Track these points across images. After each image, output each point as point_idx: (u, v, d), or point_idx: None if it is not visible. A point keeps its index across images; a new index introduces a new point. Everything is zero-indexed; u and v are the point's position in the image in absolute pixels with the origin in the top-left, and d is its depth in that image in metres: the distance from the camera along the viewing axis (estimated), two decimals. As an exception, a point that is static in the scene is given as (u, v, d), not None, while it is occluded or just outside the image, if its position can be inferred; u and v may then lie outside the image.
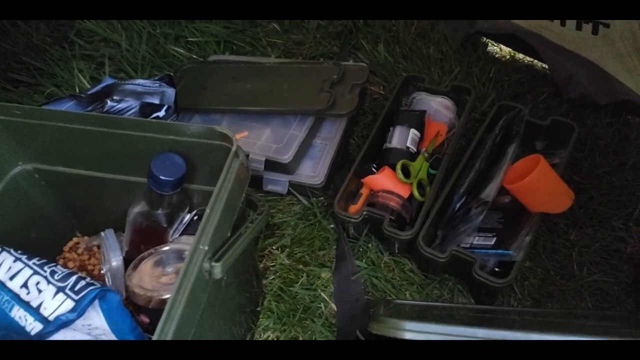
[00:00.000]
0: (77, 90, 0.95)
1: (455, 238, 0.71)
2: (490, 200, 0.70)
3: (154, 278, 0.55)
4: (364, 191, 0.81)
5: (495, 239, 0.70)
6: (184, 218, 0.64)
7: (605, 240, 0.76)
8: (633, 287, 0.71)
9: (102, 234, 0.69)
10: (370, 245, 0.77)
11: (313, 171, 0.81)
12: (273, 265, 0.77)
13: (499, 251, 0.68)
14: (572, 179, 0.82)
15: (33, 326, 0.47)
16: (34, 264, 0.51)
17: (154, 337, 0.41)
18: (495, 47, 1.04)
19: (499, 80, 0.95)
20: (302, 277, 0.75)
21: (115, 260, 0.65)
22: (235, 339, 0.67)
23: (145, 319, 0.54)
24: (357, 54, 1.02)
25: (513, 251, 0.67)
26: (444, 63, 0.99)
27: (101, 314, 0.47)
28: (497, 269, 0.69)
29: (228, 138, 0.55)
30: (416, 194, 0.77)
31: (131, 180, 0.64)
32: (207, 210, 0.48)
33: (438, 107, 0.85)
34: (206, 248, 0.47)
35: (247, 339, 0.69)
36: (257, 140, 0.81)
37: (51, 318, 0.46)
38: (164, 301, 0.53)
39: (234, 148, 0.53)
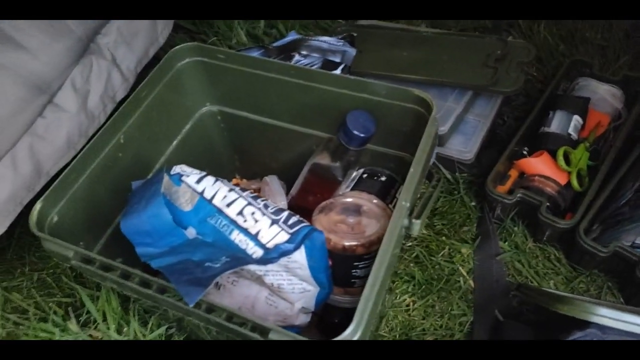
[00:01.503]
0: (235, 42, 0.99)
1: (616, 234, 0.68)
2: (665, 201, 0.67)
3: (336, 225, 0.58)
4: (513, 173, 0.79)
5: (663, 241, 0.66)
6: (353, 174, 0.66)
7: None
8: None
9: (267, 178, 0.74)
10: (516, 228, 0.76)
11: (464, 146, 0.81)
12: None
13: (669, 254, 0.65)
14: None
15: (254, 250, 0.51)
16: (247, 195, 0.55)
17: (369, 281, 0.43)
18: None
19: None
20: (444, 248, 0.76)
21: (280, 205, 0.69)
22: (381, 299, 0.70)
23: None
24: (511, 31, 0.98)
25: (685, 257, 0.64)
26: (607, 50, 0.93)
27: (304, 250, 0.51)
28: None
29: (426, 102, 0.56)
30: (575, 183, 0.74)
31: (308, 133, 0.67)
32: (411, 170, 0.50)
33: (605, 96, 0.81)
34: (408, 205, 0.49)
35: (388, 299, 0.71)
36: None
37: (270, 246, 0.50)
38: (345, 248, 0.56)
39: (434, 113, 0.54)
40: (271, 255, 0.49)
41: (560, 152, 0.74)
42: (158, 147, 0.68)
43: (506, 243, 0.76)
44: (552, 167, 0.75)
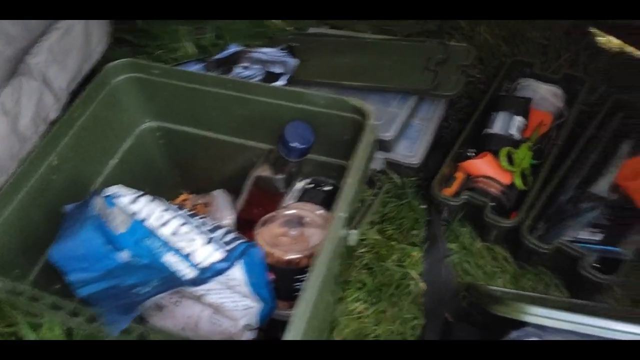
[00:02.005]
0: (182, 54, 0.98)
1: (561, 231, 0.69)
2: (601, 196, 0.68)
3: (278, 238, 0.58)
4: (459, 175, 0.80)
5: (602, 235, 0.68)
6: (297, 185, 0.66)
7: None
8: None
9: (214, 193, 0.73)
10: (463, 229, 0.77)
11: (410, 151, 0.81)
12: (364, 239, 0.78)
13: (607, 247, 0.66)
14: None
15: (187, 272, 0.50)
16: (184, 214, 0.54)
17: (300, 298, 0.43)
18: (604, 38, 0.99)
19: (608, 72, 0.91)
20: (394, 253, 0.76)
21: (227, 219, 0.69)
22: (328, 308, 0.69)
23: (271, 276, 0.57)
24: (454, 33, 1.00)
25: (622, 249, 0.65)
26: (548, 49, 0.95)
27: (242, 267, 0.50)
28: (596, 265, 0.67)
29: (362, 111, 0.56)
30: (519, 182, 0.75)
31: (250, 145, 0.67)
32: (347, 180, 0.50)
33: (546, 95, 0.82)
34: (345, 215, 0.49)
35: (338, 309, 0.71)
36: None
37: (204, 265, 0.49)
38: (289, 261, 0.56)
39: (371, 122, 0.54)
40: (205, 275, 0.49)
41: (503, 153, 0.76)
42: (95, 168, 0.66)
43: (454, 245, 0.76)
44: (495, 167, 0.76)
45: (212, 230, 0.52)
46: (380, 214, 0.80)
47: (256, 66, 0.71)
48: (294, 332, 0.43)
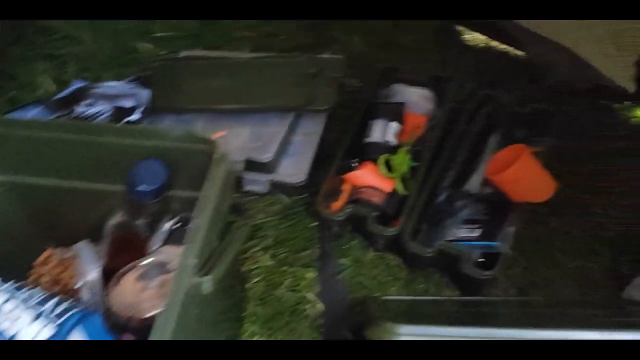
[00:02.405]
0: (42, 92, 0.89)
1: (441, 232, 0.70)
2: (474, 193, 0.70)
3: (136, 294, 0.53)
4: (346, 188, 0.79)
5: (480, 230, 0.70)
6: (164, 226, 0.61)
7: (586, 226, 0.77)
8: (614, 271, 0.72)
9: (76, 246, 0.66)
10: (353, 242, 0.76)
11: (294, 169, 0.79)
12: (256, 268, 0.75)
13: (485, 243, 0.68)
14: (552, 165, 0.82)
15: None
16: (7, 288, 0.48)
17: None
18: (470, 35, 1.03)
19: (476, 68, 0.95)
20: (286, 278, 0.73)
21: (92, 274, 0.62)
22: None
23: (129, 338, 0.52)
24: (330, 45, 1.00)
25: (498, 243, 0.67)
26: (420, 52, 0.97)
27: (82, 338, 0.44)
28: (481, 260, 0.69)
29: (211, 142, 0.52)
30: (400, 188, 0.75)
31: (107, 189, 0.61)
32: (194, 221, 0.46)
33: (417, 99, 0.84)
34: (195, 262, 0.45)
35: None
36: (236, 140, 0.78)
37: None
38: (148, 320, 0.51)
39: (218, 153, 0.51)
40: None
41: (381, 161, 0.76)
42: None
43: (348, 258, 0.75)
44: (377, 176, 0.76)
45: (42, 303, 0.46)
46: (272, 237, 0.78)
47: (103, 102, 0.66)
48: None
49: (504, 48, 1.00)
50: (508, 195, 0.71)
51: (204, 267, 0.48)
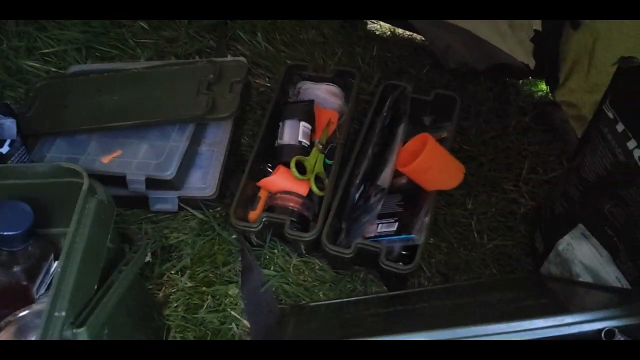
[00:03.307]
0: None
1: (359, 229, 0.69)
2: (386, 187, 0.69)
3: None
4: (262, 194, 0.76)
5: (397, 223, 0.69)
6: (49, 268, 0.55)
7: (500, 204, 0.78)
8: (529, 247, 0.74)
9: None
10: (275, 250, 0.73)
11: (203, 182, 0.75)
12: (174, 292, 0.70)
13: (402, 236, 0.67)
14: (462, 148, 0.83)
15: None
16: None
17: None
18: (375, 24, 1.03)
19: (382, 58, 0.94)
20: (207, 299, 0.69)
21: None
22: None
23: None
24: (237, 45, 0.96)
25: (415, 234, 0.67)
26: (327, 46, 0.96)
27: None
28: (404, 252, 0.69)
29: (77, 173, 0.47)
30: (315, 189, 0.73)
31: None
32: (60, 267, 0.41)
33: (325, 95, 0.82)
34: (63, 314, 0.40)
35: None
36: (134, 159, 0.73)
37: None
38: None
39: (85, 185, 0.46)
40: None
41: (292, 163, 0.73)
42: None
43: (271, 268, 0.72)
44: (291, 180, 0.73)
45: None
46: (190, 257, 0.73)
47: None
48: None
49: (409, 35, 1.00)
50: (420, 185, 0.71)
51: (78, 317, 0.42)
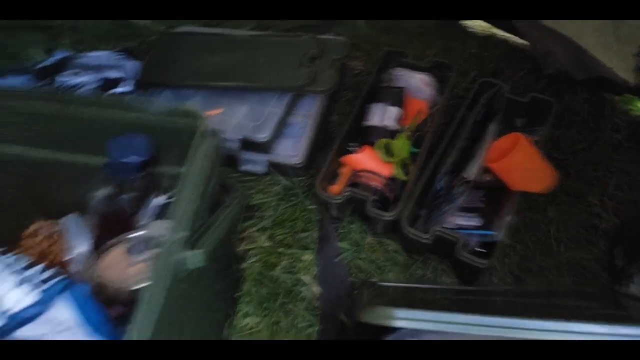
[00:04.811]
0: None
1: (439, 218, 0.70)
2: (472, 179, 0.70)
3: (124, 266, 0.52)
4: (345, 171, 0.78)
5: (478, 218, 0.70)
6: (151, 202, 0.60)
7: (582, 215, 0.77)
8: (608, 262, 0.73)
9: (63, 220, 0.65)
10: (353, 225, 0.76)
11: (293, 150, 0.78)
12: (253, 248, 0.74)
13: (482, 232, 0.68)
14: (551, 155, 0.82)
15: None
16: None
17: (127, 335, 0.38)
18: (474, 23, 1.02)
19: (479, 56, 0.94)
20: (283, 260, 0.73)
21: (80, 247, 0.61)
22: (213, 327, 0.65)
23: (116, 312, 0.51)
24: (336, 26, 0.98)
25: (495, 231, 0.67)
26: (425, 37, 0.96)
27: (70, 307, 0.44)
28: (479, 249, 0.69)
29: (196, 116, 0.51)
30: (399, 173, 0.75)
31: (92, 162, 0.59)
32: (180, 194, 0.45)
33: (418, 84, 0.83)
34: (185, 234, 0.44)
35: (226, 326, 0.67)
36: (233, 118, 0.77)
37: (12, 313, 0.42)
38: (136, 292, 0.50)
39: (201, 128, 0.50)
40: (10, 326, 0.42)
41: (380, 144, 0.75)
42: None
43: (346, 242, 0.75)
44: (376, 160, 0.75)
45: (26, 269, 0.45)
46: (271, 218, 0.77)
47: (89, 72, 0.63)
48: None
49: (506, 36, 0.99)
50: (506, 183, 0.71)
51: (193, 241, 0.46)
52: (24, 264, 0.46)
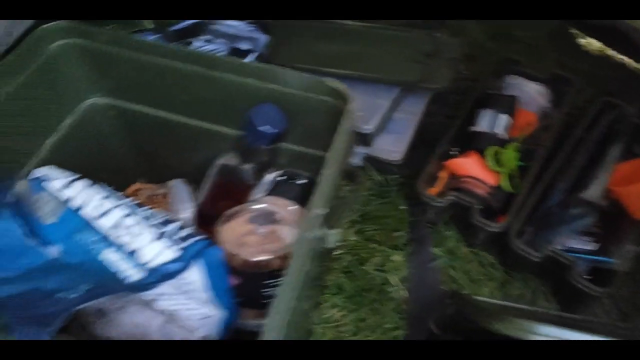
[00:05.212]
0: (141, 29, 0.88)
1: (550, 237, 0.65)
2: (595, 202, 0.65)
3: (244, 235, 0.50)
4: (443, 175, 0.75)
5: (595, 244, 0.64)
6: (268, 177, 0.58)
7: None
8: None
9: (172, 183, 0.64)
10: (448, 232, 0.72)
11: (392, 146, 0.75)
12: (342, 240, 0.71)
13: (597, 258, 0.63)
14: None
15: (129, 274, 0.41)
16: (128, 203, 0.45)
17: (274, 306, 0.36)
18: (585, 41, 0.97)
19: (593, 74, 0.88)
20: (375, 256, 0.69)
21: (185, 213, 0.60)
22: (306, 314, 0.62)
23: (232, 281, 0.49)
24: (441, 27, 0.95)
25: (616, 259, 0.62)
26: (535, 49, 0.92)
27: (201, 269, 0.42)
28: (588, 276, 0.64)
29: (341, 95, 0.49)
30: (506, 184, 0.71)
31: (216, 130, 0.58)
32: (326, 172, 0.43)
33: (533, 94, 0.79)
34: (324, 213, 0.42)
35: (315, 314, 0.64)
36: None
37: (152, 266, 0.41)
38: (257, 263, 0.48)
39: (350, 107, 0.48)
40: (153, 278, 0.40)
41: (491, 152, 0.71)
42: (27, 147, 0.55)
43: (439, 249, 0.71)
44: (481, 167, 0.71)
45: (163, 224, 0.43)
46: (360, 212, 0.74)
47: (220, 40, 0.62)
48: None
49: (621, 58, 0.94)
50: (630, 210, 0.65)
51: (329, 221, 0.44)
52: (160, 220, 0.44)
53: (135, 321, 0.47)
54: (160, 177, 0.67)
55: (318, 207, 0.42)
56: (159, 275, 0.40)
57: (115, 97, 0.60)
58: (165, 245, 0.42)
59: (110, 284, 0.40)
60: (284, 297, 0.37)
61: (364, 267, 0.68)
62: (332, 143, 0.45)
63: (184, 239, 0.43)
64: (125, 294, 0.42)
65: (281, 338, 0.37)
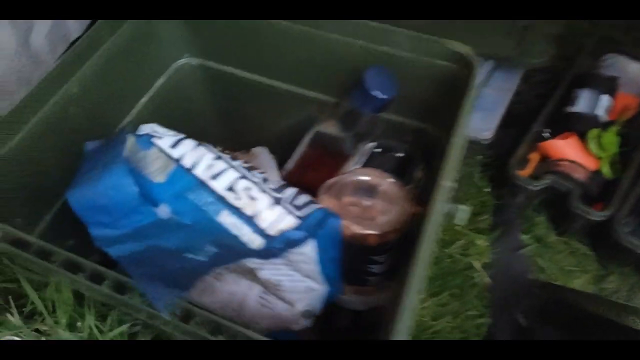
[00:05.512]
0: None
1: (657, 229, 0.60)
2: None
3: (345, 205, 0.47)
4: (534, 157, 0.70)
5: None
6: (364, 148, 0.55)
7: None
8: None
9: (256, 150, 0.61)
10: (539, 219, 0.67)
11: (481, 124, 0.71)
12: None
13: None
14: None
15: (249, 239, 0.39)
16: (240, 166, 0.43)
17: (409, 286, 0.32)
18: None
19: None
20: (460, 239, 0.66)
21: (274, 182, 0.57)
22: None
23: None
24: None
25: None
26: (632, 29, 0.85)
27: (315, 240, 0.39)
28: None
29: (465, 60, 0.45)
30: (606, 170, 0.66)
31: (312, 96, 0.55)
32: (454, 140, 0.39)
33: (635, 75, 0.73)
34: (453, 185, 0.39)
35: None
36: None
37: (274, 233, 0.38)
38: (364, 237, 0.45)
39: (476, 73, 0.43)
40: (275, 246, 0.37)
41: (592, 135, 0.66)
42: (122, 105, 0.54)
43: (527, 235, 0.67)
44: (580, 151, 0.66)
45: (278, 190, 0.41)
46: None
47: None
48: (402, 331, 0.32)
49: None
50: None
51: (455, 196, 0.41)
52: (275, 185, 0.42)
53: (231, 289, 0.45)
54: (241, 144, 0.65)
55: (448, 178, 0.38)
56: (282, 243, 0.37)
57: (206, 57, 0.57)
58: (284, 211, 0.39)
59: (236, 248, 0.38)
60: (417, 279, 0.34)
61: (446, 250, 0.65)
62: (460, 110, 0.41)
63: (301, 207, 0.40)
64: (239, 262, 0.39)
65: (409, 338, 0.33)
